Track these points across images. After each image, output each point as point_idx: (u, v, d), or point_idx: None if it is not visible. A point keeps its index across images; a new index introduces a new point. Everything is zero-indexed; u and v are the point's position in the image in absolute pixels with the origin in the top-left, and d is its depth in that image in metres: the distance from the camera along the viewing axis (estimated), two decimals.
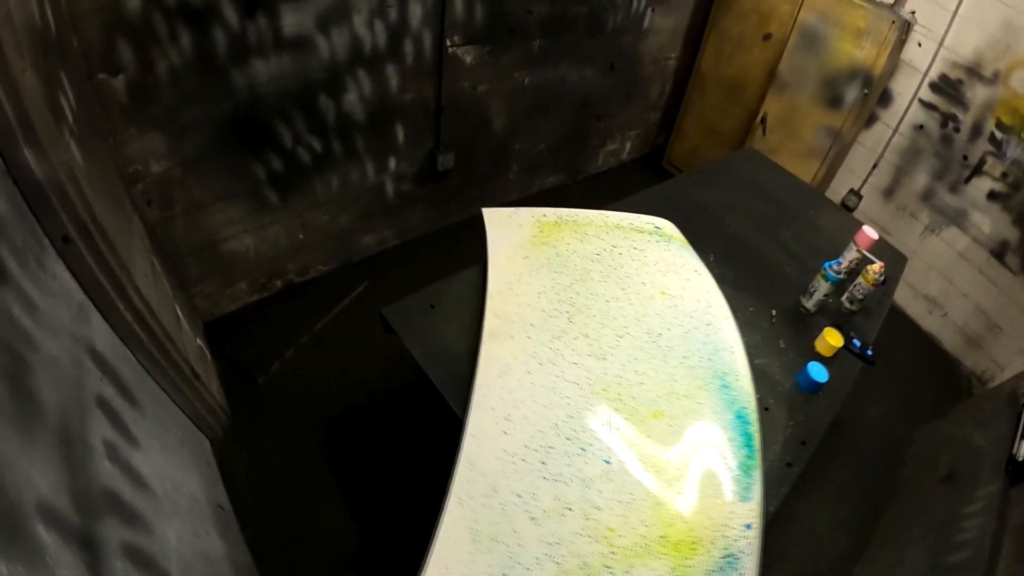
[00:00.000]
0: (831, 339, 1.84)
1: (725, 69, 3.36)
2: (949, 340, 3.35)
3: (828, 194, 3.41)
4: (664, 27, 3.31)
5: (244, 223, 2.28)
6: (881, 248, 2.16)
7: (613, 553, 1.16)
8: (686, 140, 3.73)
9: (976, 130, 2.88)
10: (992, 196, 2.95)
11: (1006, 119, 2.77)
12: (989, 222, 3.01)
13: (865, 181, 3.33)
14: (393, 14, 2.14)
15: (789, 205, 2.49)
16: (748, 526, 1.24)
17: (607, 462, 1.28)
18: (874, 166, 3.25)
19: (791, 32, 3.03)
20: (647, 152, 4.14)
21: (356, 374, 2.44)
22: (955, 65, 2.84)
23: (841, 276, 1.93)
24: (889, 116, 3.13)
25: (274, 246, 2.45)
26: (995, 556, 2.07)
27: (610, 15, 2.94)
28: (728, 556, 1.20)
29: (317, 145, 2.27)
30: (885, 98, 3.11)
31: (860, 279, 2.02)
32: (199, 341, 2.03)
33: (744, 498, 1.30)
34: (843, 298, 2.06)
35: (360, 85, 2.23)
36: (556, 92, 3.03)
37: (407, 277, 2.76)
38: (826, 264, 1.93)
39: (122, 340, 1.24)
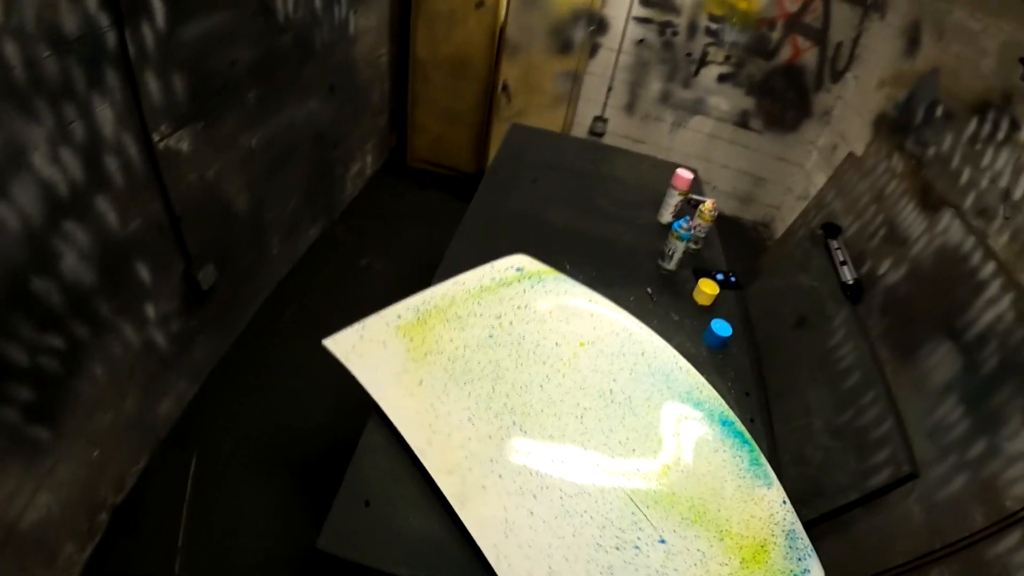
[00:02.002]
0: (707, 288, 1.93)
1: (444, 49, 3.20)
2: (726, 206, 3.81)
3: (575, 128, 3.60)
4: (369, 26, 3.02)
5: (28, 483, 1.57)
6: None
7: None
8: (425, 132, 3.53)
9: (692, 28, 3.22)
10: (722, 78, 3.37)
11: (717, 11, 3.17)
12: (725, 101, 3.44)
13: (606, 105, 3.56)
14: (79, 131, 1.54)
15: (581, 169, 2.52)
16: (784, 501, 1.32)
17: (662, 541, 1.18)
18: (609, 89, 3.49)
19: None
20: (387, 158, 3.88)
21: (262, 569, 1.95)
22: None
23: (692, 232, 2.00)
24: (610, 41, 3.32)
25: (74, 484, 1.75)
26: (879, 364, 2.45)
27: (316, 33, 2.56)
28: (789, 534, 1.27)
29: (58, 342, 1.60)
30: (602, 26, 3.26)
31: (698, 220, 2.11)
32: None
33: (768, 484, 1.34)
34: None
35: (73, 241, 1.60)
36: (288, 139, 2.58)
37: (228, 421, 2.31)
38: (675, 225, 1.97)
39: None
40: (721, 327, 1.80)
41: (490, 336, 1.51)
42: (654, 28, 3.21)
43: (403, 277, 3.02)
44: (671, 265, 2.03)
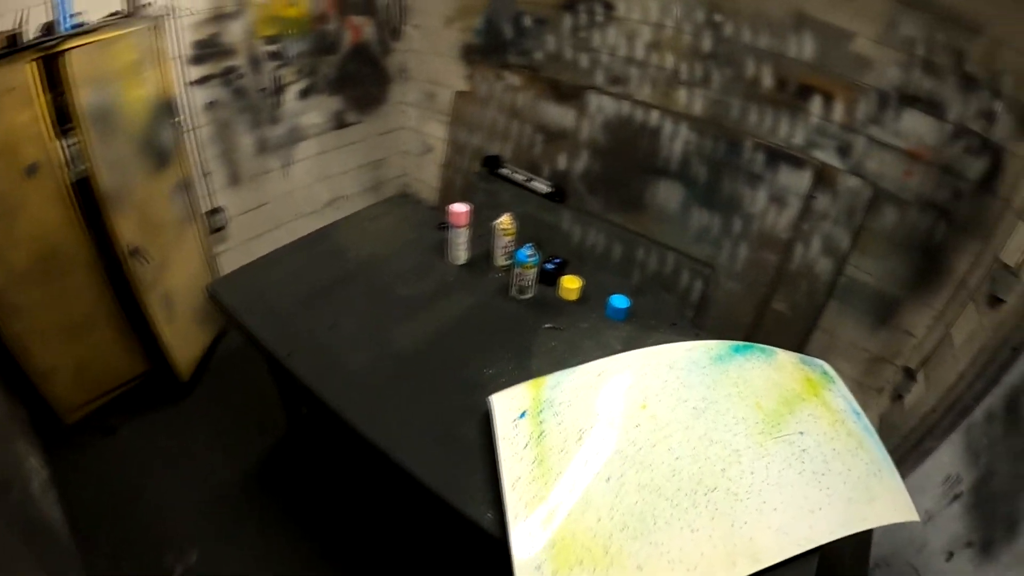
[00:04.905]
0: (571, 284, 2.09)
1: (13, 256, 2.20)
2: (362, 202, 3.71)
3: (197, 231, 3.01)
4: None
5: None
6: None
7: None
8: (59, 372, 2.44)
9: (255, 61, 2.89)
10: (304, 94, 3.19)
11: (270, 32, 2.89)
12: (316, 113, 3.32)
13: (211, 192, 3.00)
14: None
15: (336, 274, 2.13)
16: (787, 352, 1.77)
17: (802, 433, 1.52)
18: (206, 174, 2.92)
19: (84, 130, 2.12)
20: (38, 441, 2.56)
21: None
22: (201, 24, 2.64)
23: (534, 253, 2.03)
24: (185, 120, 2.75)
25: None
26: (617, 224, 3.01)
27: None
28: (802, 360, 1.75)
29: None
30: (171, 109, 2.66)
31: (502, 238, 2.16)
32: None
33: (774, 352, 1.76)
34: (502, 258, 2.20)
35: None
36: None
37: None
38: (521, 257, 2.01)
39: None
40: (619, 300, 2.02)
41: (607, 480, 1.38)
42: (217, 82, 2.74)
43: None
44: (532, 291, 2.09)
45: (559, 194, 3.18)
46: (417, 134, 3.82)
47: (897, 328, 2.50)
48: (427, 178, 3.95)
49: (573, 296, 2.08)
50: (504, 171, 3.35)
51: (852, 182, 2.40)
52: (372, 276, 2.14)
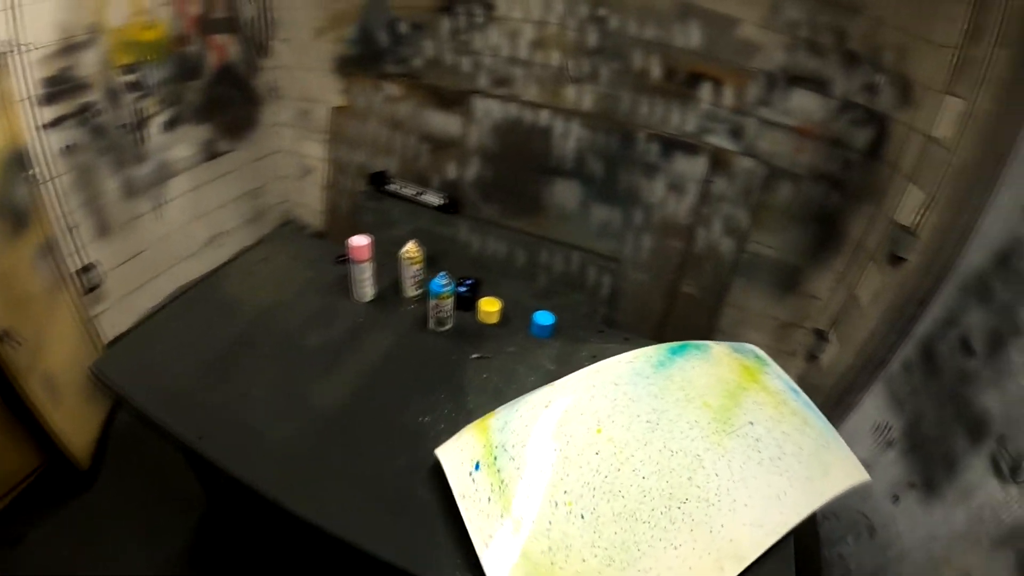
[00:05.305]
0: (489, 307, 1.98)
1: None
2: (247, 236, 3.55)
3: (70, 295, 2.62)
4: None
5: None
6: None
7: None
8: None
9: (112, 95, 2.54)
10: (169, 125, 2.85)
11: (127, 59, 2.55)
12: (184, 145, 2.99)
13: (79, 248, 2.58)
14: None
15: (234, 334, 1.86)
16: (720, 344, 1.77)
17: (752, 423, 1.53)
18: (71, 229, 2.49)
19: None
20: None
21: None
22: (50, 58, 2.28)
23: (449, 281, 1.89)
24: (40, 171, 2.35)
25: None
26: (527, 232, 2.97)
27: None
28: (737, 350, 1.75)
29: None
30: (24, 161, 2.27)
31: (409, 267, 2.01)
32: None
33: (708, 347, 1.75)
34: (412, 288, 2.06)
35: None
36: None
37: None
38: (436, 288, 1.86)
39: None
40: (543, 317, 1.95)
41: (581, 517, 1.33)
42: (73, 123, 2.36)
43: None
44: (450, 322, 1.96)
45: (453, 205, 3.07)
46: (294, 156, 3.58)
47: (803, 294, 2.61)
48: (310, 202, 3.73)
49: (494, 319, 1.99)
50: (392, 187, 3.19)
51: (746, 163, 2.47)
52: (275, 329, 1.91)
